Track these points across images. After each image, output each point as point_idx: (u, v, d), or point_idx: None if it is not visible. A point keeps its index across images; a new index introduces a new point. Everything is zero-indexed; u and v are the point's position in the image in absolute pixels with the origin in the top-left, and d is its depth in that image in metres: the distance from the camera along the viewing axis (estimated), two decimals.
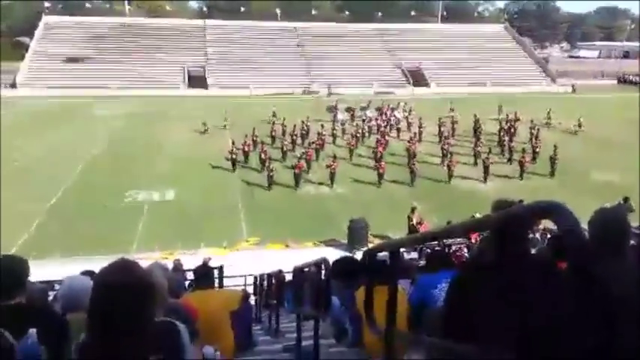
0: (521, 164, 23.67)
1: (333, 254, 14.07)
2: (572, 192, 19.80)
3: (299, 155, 24.31)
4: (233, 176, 23.73)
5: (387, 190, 22.11)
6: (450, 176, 22.91)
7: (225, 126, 33.59)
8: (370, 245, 13.95)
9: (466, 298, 1.43)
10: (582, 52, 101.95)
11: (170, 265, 11.55)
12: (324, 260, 3.07)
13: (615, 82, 66.46)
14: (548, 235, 11.08)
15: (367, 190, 22.12)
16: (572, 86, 55.76)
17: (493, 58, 60.83)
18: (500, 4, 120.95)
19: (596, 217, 2.32)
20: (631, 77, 67.19)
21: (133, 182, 22.22)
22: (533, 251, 3.36)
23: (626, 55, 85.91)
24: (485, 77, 55.63)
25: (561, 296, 1.35)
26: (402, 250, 9.72)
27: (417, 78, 56.90)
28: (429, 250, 10.28)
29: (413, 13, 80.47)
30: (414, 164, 23.15)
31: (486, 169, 23.19)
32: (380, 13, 74.59)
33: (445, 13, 79.14)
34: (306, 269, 5.29)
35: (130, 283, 1.53)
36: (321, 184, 22.59)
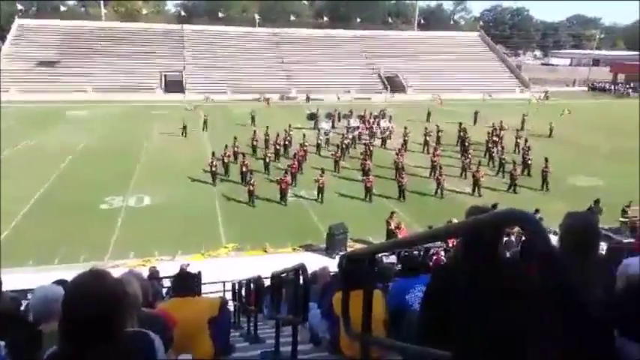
0: (513, 177, 22.79)
1: (312, 259, 14.17)
2: (561, 200, 19.98)
3: (283, 168, 23.17)
4: (213, 186, 22.76)
5: (375, 204, 20.74)
6: (441, 190, 21.89)
7: (205, 122, 33.88)
8: (349, 250, 14.02)
9: (439, 303, 1.45)
10: (554, 60, 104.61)
11: (146, 273, 11.43)
12: (302, 266, 3.08)
13: (586, 89, 68.35)
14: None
15: (354, 204, 20.97)
16: (545, 93, 57.09)
17: (468, 65, 61.89)
18: (476, 13, 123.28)
19: (566, 221, 2.39)
20: (601, 84, 69.24)
21: (109, 188, 21.85)
22: (508, 254, 3.43)
23: (595, 63, 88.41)
24: (461, 84, 56.55)
25: (531, 300, 1.38)
26: (381, 254, 9.77)
27: (394, 84, 57.53)
28: (406, 254, 10.33)
29: (390, 20, 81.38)
30: (402, 177, 21.88)
31: (476, 182, 22.15)
32: (358, 20, 75.23)
33: (422, 21, 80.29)
34: (284, 275, 5.29)
35: (101, 293, 1.51)
36: (308, 199, 21.27)
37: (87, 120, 37.10)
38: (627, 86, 66.73)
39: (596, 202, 17.44)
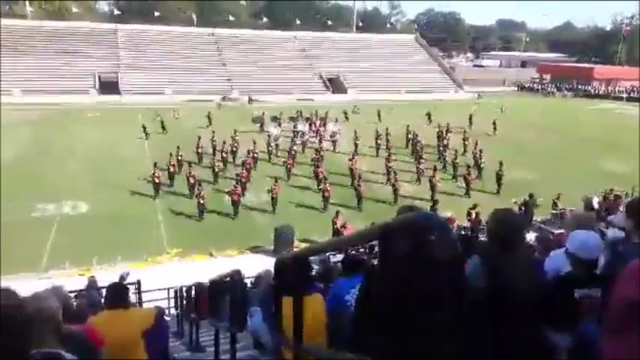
0: (467, 181, 22.27)
1: (259, 261, 14.01)
2: (507, 196, 20.01)
3: (232, 177, 21.99)
4: (155, 199, 21.16)
5: (331, 213, 18.57)
6: (397, 197, 21.07)
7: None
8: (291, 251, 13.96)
9: (364, 305, 1.46)
10: (485, 62, 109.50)
11: (85, 283, 10.91)
12: (237, 272, 3.02)
13: (515, 89, 72.08)
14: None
15: (310, 214, 19.96)
16: (478, 94, 59.64)
17: (405, 66, 63.58)
18: (411, 16, 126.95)
19: (491, 218, 2.51)
20: (529, 85, 73.33)
21: (42, 194, 20.67)
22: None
23: (523, 64, 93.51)
24: (399, 85, 57.95)
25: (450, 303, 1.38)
26: (328, 254, 9.78)
27: (336, 85, 58.13)
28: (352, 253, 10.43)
29: (330, 22, 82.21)
30: (359, 185, 20.91)
31: (433, 187, 21.38)
32: (298, 21, 75.42)
33: (360, 23, 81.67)
34: (228, 279, 5.19)
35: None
36: (261, 210, 20.23)
37: (15, 123, 34.82)
38: (552, 86, 70.97)
39: (531, 196, 18.44)
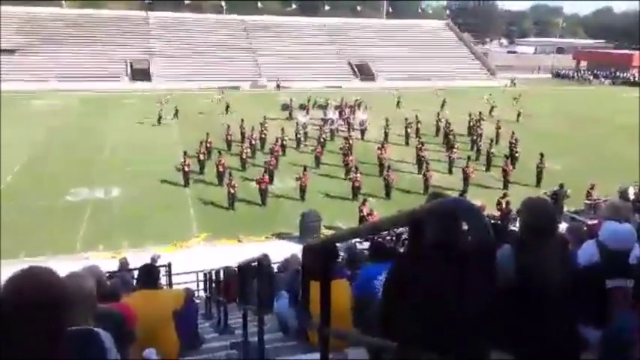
0: (505, 172, 21.30)
1: (285, 247, 14.16)
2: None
3: (260, 165, 21.86)
4: (185, 188, 21.26)
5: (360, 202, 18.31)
6: (427, 187, 20.50)
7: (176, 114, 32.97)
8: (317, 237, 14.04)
9: (392, 291, 1.45)
10: (519, 48, 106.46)
11: (116, 264, 11.25)
12: (265, 256, 3.06)
13: (550, 76, 69.97)
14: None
15: (339, 204, 19.69)
16: (512, 80, 58.15)
17: (436, 53, 62.40)
18: (443, 2, 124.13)
19: (523, 206, 2.45)
20: (565, 72, 71.08)
21: (75, 180, 21.28)
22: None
23: (560, 50, 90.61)
24: (430, 71, 56.98)
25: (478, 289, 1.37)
26: (354, 240, 9.81)
27: (364, 72, 57.59)
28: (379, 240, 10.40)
29: (359, 8, 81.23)
30: (388, 175, 20.55)
31: (466, 179, 20.78)
32: (327, 7, 74.86)
33: (390, 9, 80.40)
34: (255, 264, 5.26)
35: (34, 294, 1.40)
36: (291, 199, 20.00)
37: (49, 110, 35.88)
38: (589, 73, 68.59)
39: (561, 186, 18.01)
